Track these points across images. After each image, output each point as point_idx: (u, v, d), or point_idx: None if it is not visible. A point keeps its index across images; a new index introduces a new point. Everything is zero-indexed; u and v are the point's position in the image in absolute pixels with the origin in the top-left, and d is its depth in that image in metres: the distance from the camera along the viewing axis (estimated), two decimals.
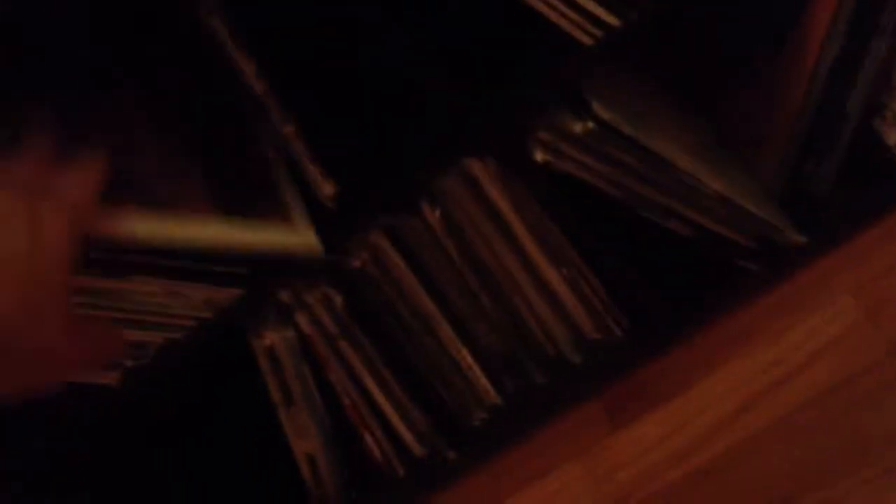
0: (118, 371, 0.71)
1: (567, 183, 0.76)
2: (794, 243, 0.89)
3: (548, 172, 0.74)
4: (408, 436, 0.94)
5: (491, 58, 0.70)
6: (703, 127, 0.92)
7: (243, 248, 0.62)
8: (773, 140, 0.90)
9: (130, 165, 0.57)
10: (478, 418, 0.97)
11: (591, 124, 0.71)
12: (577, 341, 0.92)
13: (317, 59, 0.69)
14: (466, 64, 0.69)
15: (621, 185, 0.77)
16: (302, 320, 0.78)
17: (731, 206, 0.84)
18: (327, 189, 0.68)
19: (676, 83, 0.84)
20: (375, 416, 0.92)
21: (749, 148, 0.92)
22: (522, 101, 0.71)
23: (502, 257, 0.82)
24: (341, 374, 0.85)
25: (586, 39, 0.65)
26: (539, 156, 0.72)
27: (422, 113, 0.69)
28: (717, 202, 0.83)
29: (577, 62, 0.68)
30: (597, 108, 0.70)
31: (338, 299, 0.79)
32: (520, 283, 0.86)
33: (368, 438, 0.94)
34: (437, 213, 0.76)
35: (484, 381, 0.94)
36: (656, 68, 0.82)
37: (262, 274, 0.70)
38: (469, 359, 0.92)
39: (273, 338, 0.79)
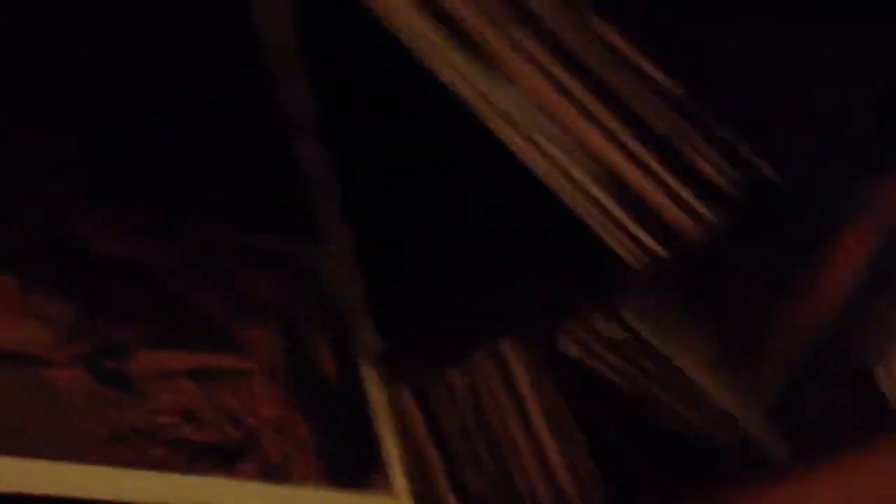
0: None
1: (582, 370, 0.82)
2: (777, 457, 0.95)
3: (571, 363, 0.80)
4: None
5: (538, 245, 0.76)
6: (714, 328, 0.99)
7: None
8: (776, 357, 0.97)
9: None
10: None
11: (620, 332, 0.77)
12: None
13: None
14: (514, 248, 0.76)
15: (636, 386, 0.83)
16: None
17: (727, 415, 0.90)
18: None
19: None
20: None
21: (752, 355, 0.98)
22: (561, 293, 0.77)
23: (511, 428, 0.88)
24: None
25: (632, 261, 0.72)
26: (572, 351, 0.78)
27: (467, 290, 0.75)
28: (715, 410, 0.89)
29: (618, 276, 0.74)
30: (629, 318, 0.76)
31: None
32: (521, 450, 0.91)
33: None
34: (466, 380, 0.82)
35: None
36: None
37: None
38: None
39: None
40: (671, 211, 0.69)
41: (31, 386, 0.55)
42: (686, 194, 0.68)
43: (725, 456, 0.95)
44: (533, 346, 0.80)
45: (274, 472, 0.62)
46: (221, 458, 0.60)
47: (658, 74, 0.62)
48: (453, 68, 0.53)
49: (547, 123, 0.60)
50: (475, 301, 0.72)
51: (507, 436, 0.90)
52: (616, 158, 0.65)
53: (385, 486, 0.68)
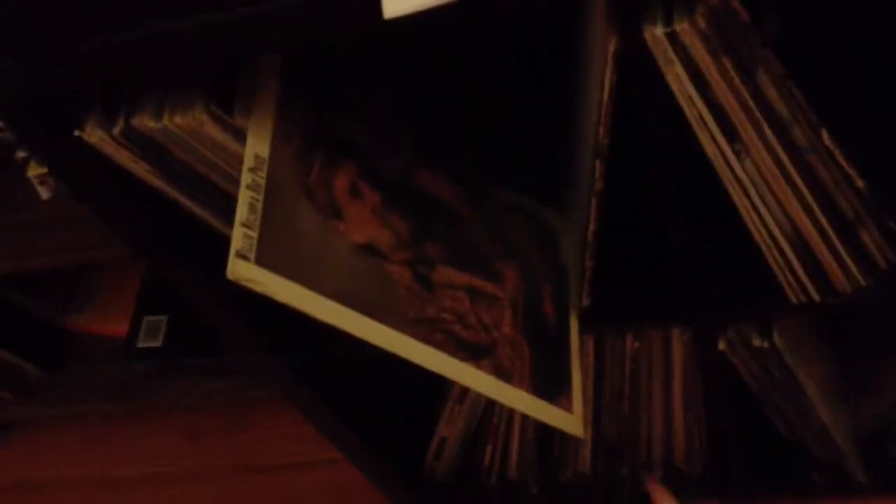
0: None
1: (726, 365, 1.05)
2: (857, 480, 1.17)
3: (720, 357, 1.03)
4: None
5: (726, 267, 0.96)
6: (838, 362, 1.20)
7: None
8: (879, 399, 1.18)
9: None
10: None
11: (766, 345, 0.99)
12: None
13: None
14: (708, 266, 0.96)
15: (762, 388, 1.06)
16: None
17: (826, 432, 1.12)
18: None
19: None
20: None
21: (861, 393, 1.20)
22: (732, 305, 0.99)
23: (654, 390, 1.13)
24: None
25: (792, 296, 0.93)
26: (724, 347, 1.01)
27: (664, 283, 0.97)
28: (817, 426, 1.11)
29: (778, 304, 0.95)
30: (776, 335, 0.99)
31: None
32: (654, 407, 1.16)
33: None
34: (635, 345, 1.07)
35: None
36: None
37: None
38: None
39: None
40: (833, 267, 0.90)
41: (376, 271, 0.82)
42: (849, 260, 0.89)
43: (817, 466, 1.17)
44: (697, 338, 1.03)
45: (502, 373, 0.88)
46: (473, 353, 0.86)
47: (853, 171, 0.83)
48: (713, 139, 0.76)
49: (763, 186, 0.82)
50: (666, 292, 0.95)
51: (648, 394, 1.15)
52: (803, 220, 0.86)
53: (567, 405, 0.93)
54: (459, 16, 0.57)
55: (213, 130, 0.74)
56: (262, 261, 0.71)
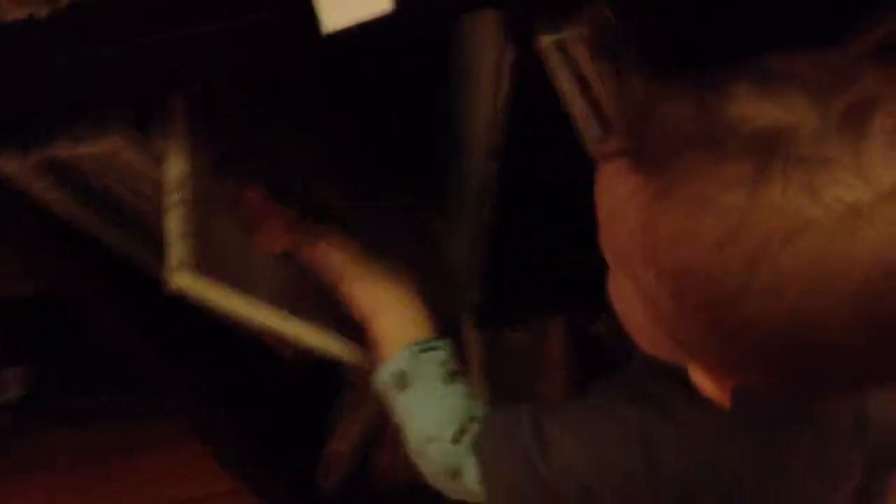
0: None
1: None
2: None
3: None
4: None
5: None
6: None
7: None
8: None
9: None
10: None
11: None
12: None
13: None
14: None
15: None
16: None
17: None
18: None
19: None
20: None
21: None
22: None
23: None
24: None
25: None
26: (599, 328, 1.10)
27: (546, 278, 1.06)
28: None
29: None
30: None
31: None
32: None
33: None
34: (524, 336, 1.15)
35: None
36: None
37: None
38: None
39: None
40: None
41: (297, 276, 0.86)
42: None
43: None
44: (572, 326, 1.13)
45: None
46: None
47: None
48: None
49: None
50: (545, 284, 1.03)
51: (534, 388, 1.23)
52: None
53: None
54: (394, 27, 0.62)
55: (131, 154, 0.76)
56: (201, 271, 0.74)
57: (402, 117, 1.03)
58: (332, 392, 1.29)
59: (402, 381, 0.77)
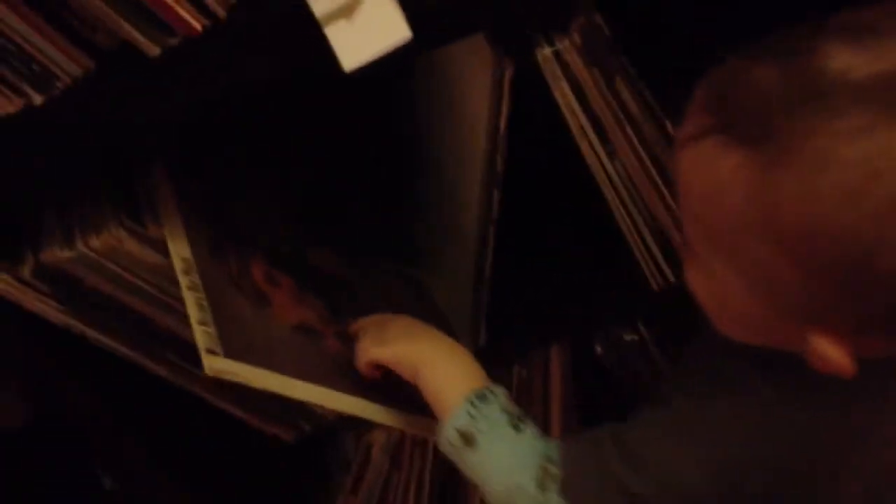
0: None
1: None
2: None
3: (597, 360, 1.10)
4: None
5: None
6: None
7: None
8: None
9: None
10: None
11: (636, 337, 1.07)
12: None
13: None
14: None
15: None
16: None
17: None
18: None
19: None
20: None
21: None
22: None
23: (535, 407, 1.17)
24: None
25: (654, 285, 1.02)
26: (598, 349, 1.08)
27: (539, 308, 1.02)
28: None
29: (642, 298, 1.03)
30: (643, 329, 1.07)
31: None
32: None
33: None
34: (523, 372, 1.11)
35: None
36: None
37: None
38: None
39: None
40: None
41: (316, 344, 0.81)
42: None
43: None
44: (575, 347, 1.10)
45: None
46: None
47: None
48: (591, 146, 0.83)
49: (629, 182, 0.90)
50: (544, 313, 1.00)
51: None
52: (659, 209, 0.94)
53: None
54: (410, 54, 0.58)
55: (132, 245, 0.70)
56: (229, 353, 0.69)
57: (373, 163, 0.99)
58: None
59: (468, 437, 0.72)
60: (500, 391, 0.75)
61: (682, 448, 0.67)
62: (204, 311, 0.70)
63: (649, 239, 0.97)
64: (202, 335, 0.69)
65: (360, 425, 0.89)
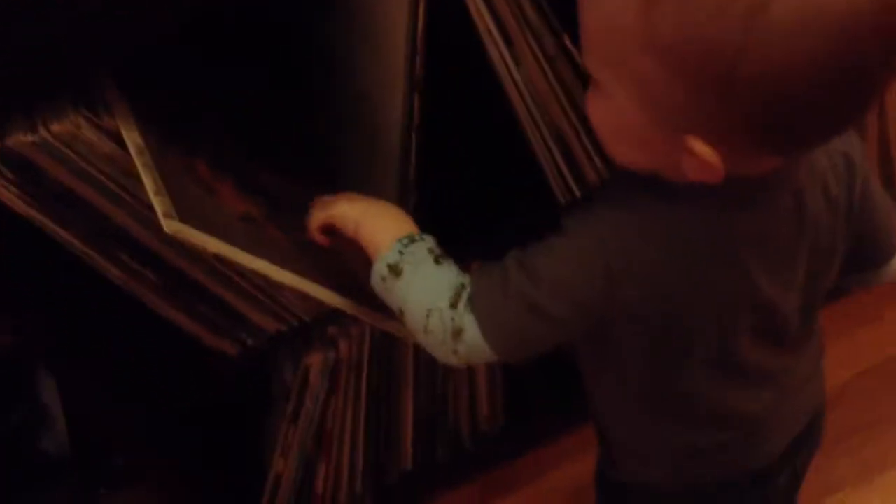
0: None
1: None
2: None
3: None
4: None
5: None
6: None
7: None
8: None
9: None
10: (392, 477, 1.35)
11: None
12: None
13: None
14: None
15: None
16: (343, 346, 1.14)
17: None
18: None
19: None
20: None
21: None
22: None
23: None
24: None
25: (561, 198, 1.11)
26: None
27: None
28: None
29: (551, 211, 1.12)
30: None
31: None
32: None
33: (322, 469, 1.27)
34: None
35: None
36: None
37: None
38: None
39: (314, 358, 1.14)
40: (584, 162, 1.06)
41: (262, 232, 0.87)
42: (596, 155, 1.07)
43: None
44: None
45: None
46: None
47: None
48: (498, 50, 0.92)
49: (534, 91, 0.99)
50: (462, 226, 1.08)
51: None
52: (562, 121, 1.03)
53: None
54: None
55: (90, 133, 0.77)
56: (185, 221, 0.75)
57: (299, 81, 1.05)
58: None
59: (396, 269, 0.80)
60: (428, 237, 0.83)
61: (570, 262, 0.75)
62: (159, 185, 0.76)
63: (554, 150, 1.05)
64: (159, 203, 0.75)
65: (304, 333, 0.94)
